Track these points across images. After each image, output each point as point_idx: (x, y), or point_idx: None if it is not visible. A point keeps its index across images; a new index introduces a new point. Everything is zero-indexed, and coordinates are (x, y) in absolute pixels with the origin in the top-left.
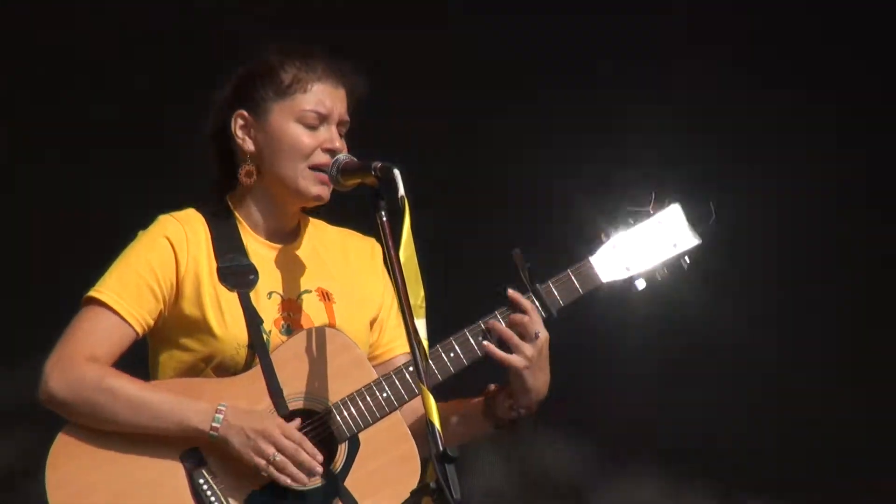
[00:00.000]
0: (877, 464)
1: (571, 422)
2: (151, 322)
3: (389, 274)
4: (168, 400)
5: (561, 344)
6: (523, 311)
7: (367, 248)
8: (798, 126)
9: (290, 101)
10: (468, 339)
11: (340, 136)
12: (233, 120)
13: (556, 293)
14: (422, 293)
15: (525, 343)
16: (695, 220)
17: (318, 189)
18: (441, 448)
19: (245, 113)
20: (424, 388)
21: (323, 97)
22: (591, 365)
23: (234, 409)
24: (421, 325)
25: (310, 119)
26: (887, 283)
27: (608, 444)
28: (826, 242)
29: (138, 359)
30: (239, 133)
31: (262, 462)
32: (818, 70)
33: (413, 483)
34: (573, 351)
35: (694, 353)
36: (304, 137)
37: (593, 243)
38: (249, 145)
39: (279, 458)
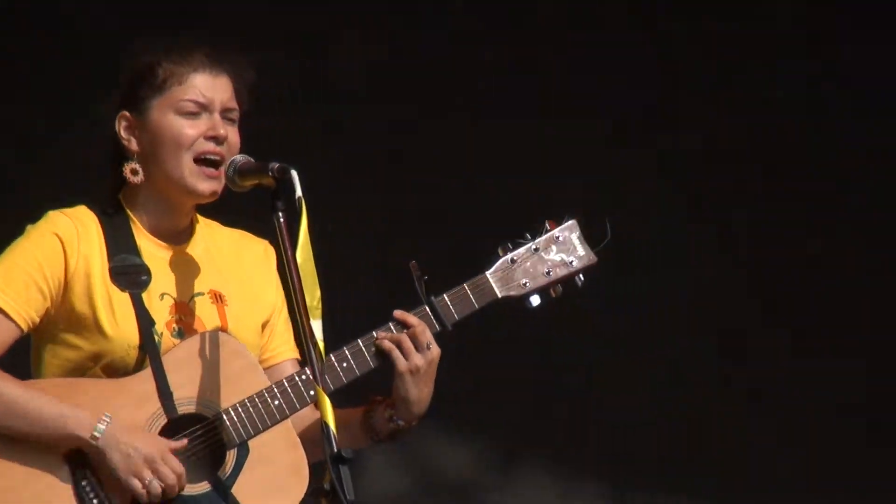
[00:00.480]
0: (763, 460)
1: (467, 422)
2: (37, 319)
3: (285, 275)
4: (50, 406)
5: (458, 345)
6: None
7: (260, 250)
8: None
9: (168, 94)
10: (361, 349)
11: (232, 123)
12: (116, 122)
13: (451, 307)
14: (318, 294)
15: (417, 352)
16: (592, 238)
17: (208, 184)
18: (335, 450)
19: (127, 114)
20: (320, 389)
21: (201, 86)
22: (487, 366)
23: (122, 424)
24: (317, 326)
25: (188, 108)
26: (765, 284)
27: (503, 445)
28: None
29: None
30: (123, 134)
31: (137, 485)
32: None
33: (301, 491)
34: (470, 352)
35: (587, 355)
36: (185, 128)
37: (491, 258)
38: (134, 145)
39: (155, 484)
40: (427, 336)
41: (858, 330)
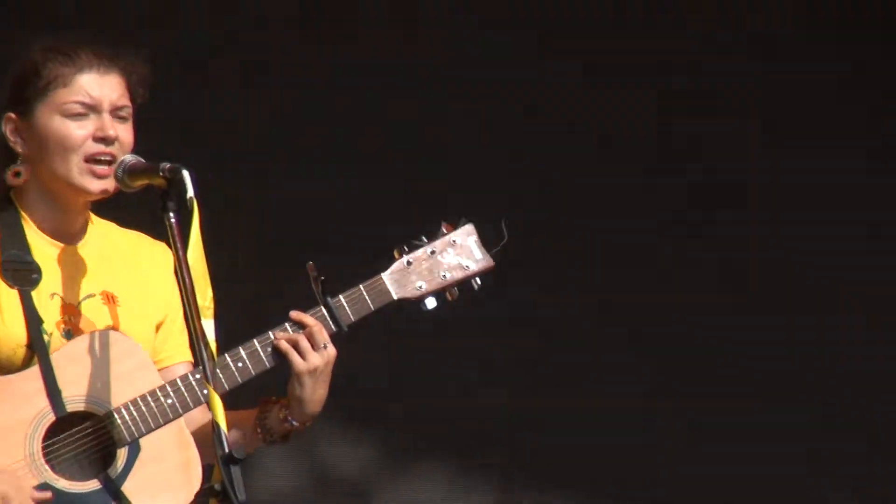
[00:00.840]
0: (654, 458)
1: (361, 420)
2: None
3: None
4: None
5: (353, 342)
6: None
7: (157, 252)
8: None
9: (52, 97)
10: (257, 349)
11: (124, 121)
12: (3, 123)
13: (347, 308)
14: (210, 294)
15: (314, 352)
16: (489, 242)
17: (98, 183)
18: (226, 450)
19: (13, 115)
20: (211, 389)
21: (87, 87)
22: (381, 363)
23: None
24: (209, 326)
25: (74, 110)
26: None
27: (396, 442)
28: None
29: None
30: (10, 136)
31: None
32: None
33: (192, 490)
34: (364, 349)
35: (483, 352)
36: (72, 130)
37: (389, 260)
38: (20, 147)
39: None
40: (323, 336)
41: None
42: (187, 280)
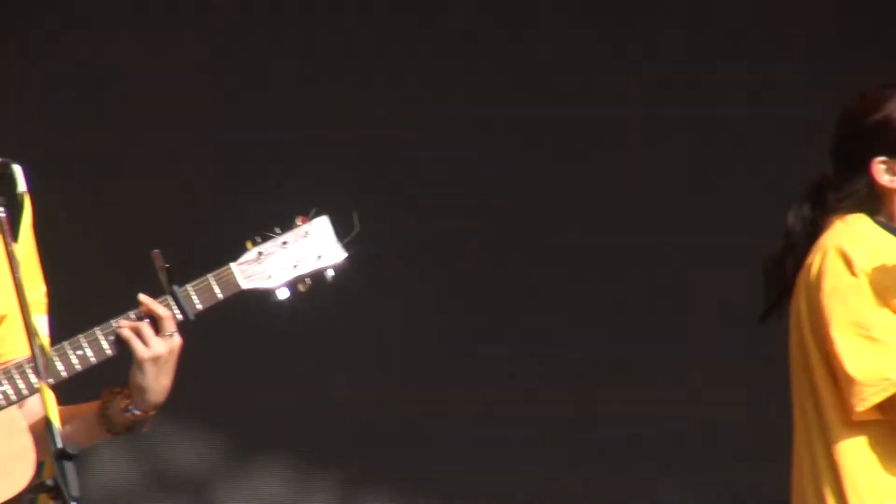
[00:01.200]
0: (490, 458)
1: (196, 416)
2: None
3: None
4: None
5: (197, 334)
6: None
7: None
8: None
9: None
10: (97, 337)
11: None
12: None
13: (193, 297)
14: (43, 288)
15: (158, 340)
16: (343, 234)
17: None
18: (59, 445)
19: None
20: (43, 385)
21: None
22: (224, 356)
23: None
24: (42, 321)
25: None
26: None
27: (238, 438)
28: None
29: None
30: None
31: None
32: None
33: (25, 478)
34: (204, 344)
35: (320, 348)
36: None
37: (242, 250)
38: None
39: None
40: (169, 325)
41: None
42: (18, 275)
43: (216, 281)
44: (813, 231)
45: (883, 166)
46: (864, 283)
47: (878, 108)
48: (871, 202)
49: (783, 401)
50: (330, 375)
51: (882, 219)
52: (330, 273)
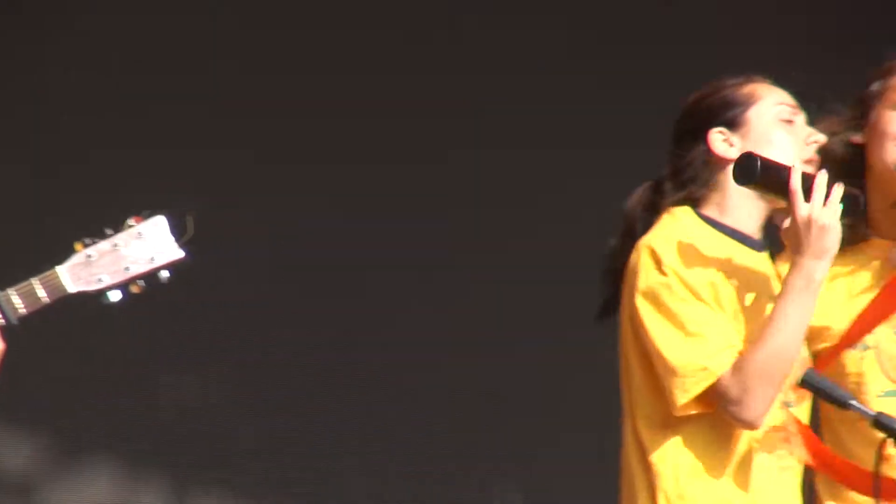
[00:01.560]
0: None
1: (22, 418)
2: None
3: None
4: None
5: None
6: None
7: None
8: None
9: None
10: None
11: None
12: None
13: (16, 301)
14: None
15: None
16: (179, 233)
17: None
18: None
19: None
20: None
21: None
22: (50, 360)
23: None
24: None
25: None
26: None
27: (63, 439)
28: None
29: None
30: None
31: None
32: None
33: None
34: (31, 345)
35: (154, 350)
36: None
37: (70, 253)
38: None
39: None
40: None
41: None
42: None
43: (41, 284)
44: (647, 222)
45: (720, 136)
46: (673, 281)
47: (717, 92)
48: (705, 176)
49: None
50: (160, 376)
51: (711, 212)
52: (164, 274)
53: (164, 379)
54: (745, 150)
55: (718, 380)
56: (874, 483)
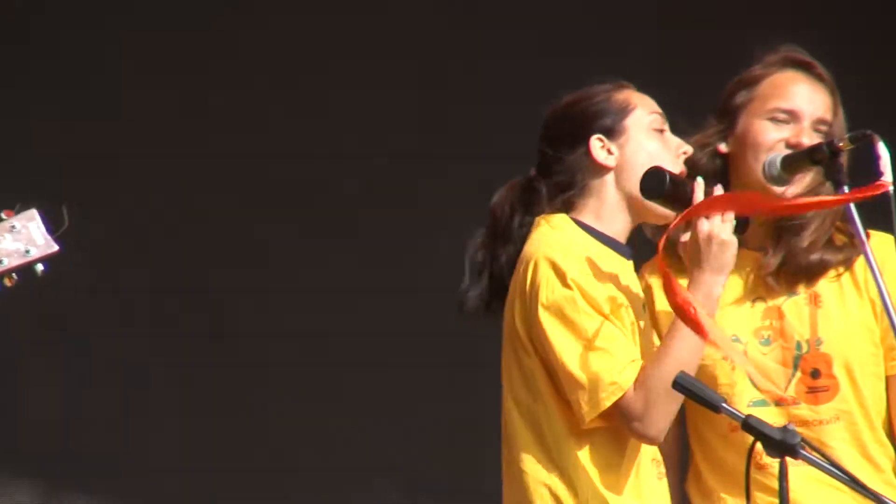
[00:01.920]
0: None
1: None
2: None
3: None
4: None
5: None
6: None
7: None
8: None
9: None
10: None
11: None
12: None
13: None
14: None
15: None
16: (55, 227)
17: None
18: None
19: None
20: None
21: None
22: None
23: None
24: None
25: None
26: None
27: None
28: None
29: None
30: None
31: None
32: None
33: None
34: None
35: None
36: None
37: None
38: None
39: None
40: None
41: None
42: None
43: None
44: (521, 221)
45: (599, 143)
46: (577, 295)
47: (592, 97)
48: (582, 182)
49: None
50: (29, 375)
51: (587, 219)
52: (40, 267)
53: (33, 378)
54: (624, 160)
55: (624, 395)
56: (745, 485)
